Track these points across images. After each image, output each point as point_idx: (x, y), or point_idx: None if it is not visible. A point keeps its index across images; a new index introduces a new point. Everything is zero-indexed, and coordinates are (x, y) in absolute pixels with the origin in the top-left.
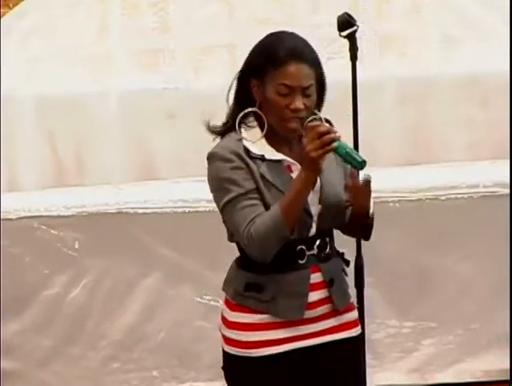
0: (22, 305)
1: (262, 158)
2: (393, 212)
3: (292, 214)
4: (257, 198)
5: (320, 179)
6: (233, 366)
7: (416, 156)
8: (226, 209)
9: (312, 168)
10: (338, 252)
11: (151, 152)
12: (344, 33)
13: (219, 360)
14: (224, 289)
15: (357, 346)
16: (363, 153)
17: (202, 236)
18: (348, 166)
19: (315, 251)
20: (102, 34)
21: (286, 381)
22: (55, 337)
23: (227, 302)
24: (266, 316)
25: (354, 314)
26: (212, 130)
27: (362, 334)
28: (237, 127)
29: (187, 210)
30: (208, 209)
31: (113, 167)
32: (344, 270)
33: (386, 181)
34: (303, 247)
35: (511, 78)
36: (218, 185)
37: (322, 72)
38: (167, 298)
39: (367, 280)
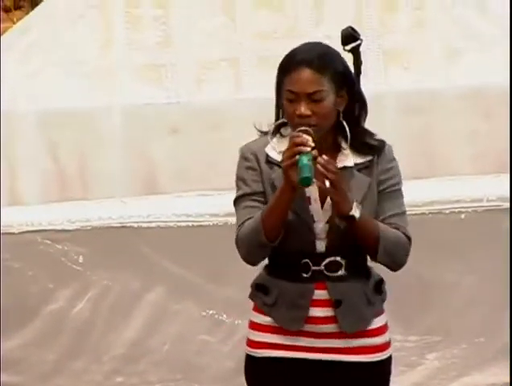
0: (25, 319)
1: (279, 165)
2: None
3: (270, 222)
4: (260, 201)
5: (332, 199)
6: (246, 365)
7: (419, 170)
8: (235, 205)
9: (285, 178)
10: (370, 276)
11: (154, 166)
12: (348, 47)
13: (223, 374)
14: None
15: (373, 373)
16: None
17: (206, 250)
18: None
19: (322, 268)
20: (105, 48)
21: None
22: (59, 351)
23: (251, 300)
24: (270, 319)
25: (375, 340)
26: (258, 130)
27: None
28: (269, 137)
29: (190, 224)
30: (211, 223)
31: (116, 181)
32: (367, 297)
33: None
34: (309, 261)
35: (511, 91)
36: (235, 181)
37: (344, 79)
38: (170, 312)
39: None
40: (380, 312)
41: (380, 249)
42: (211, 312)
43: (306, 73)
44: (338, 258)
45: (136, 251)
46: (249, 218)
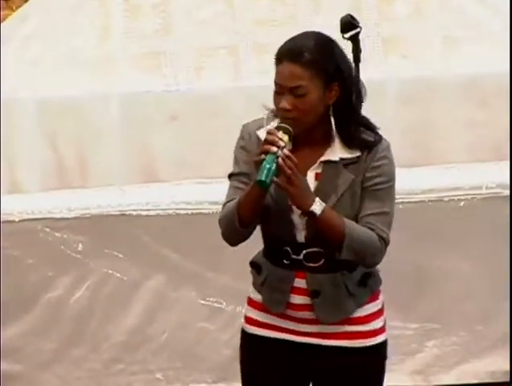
0: (25, 307)
1: None
2: (396, 215)
3: (243, 209)
4: (245, 182)
5: (314, 192)
6: (241, 339)
7: (418, 157)
8: (229, 181)
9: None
10: (354, 268)
11: (153, 154)
12: (348, 35)
13: (222, 362)
14: None
15: (355, 357)
16: None
17: (205, 237)
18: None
19: (301, 258)
20: (104, 36)
21: (274, 364)
22: (58, 339)
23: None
24: (261, 297)
25: (354, 328)
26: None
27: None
28: (264, 123)
29: (189, 212)
30: (210, 211)
31: (115, 169)
32: (348, 288)
33: None
34: (289, 249)
35: (511, 80)
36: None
37: (331, 70)
38: (170, 300)
39: None
40: (366, 302)
41: (344, 247)
42: (210, 300)
43: (289, 67)
44: (318, 249)
45: (135, 239)
46: (232, 199)
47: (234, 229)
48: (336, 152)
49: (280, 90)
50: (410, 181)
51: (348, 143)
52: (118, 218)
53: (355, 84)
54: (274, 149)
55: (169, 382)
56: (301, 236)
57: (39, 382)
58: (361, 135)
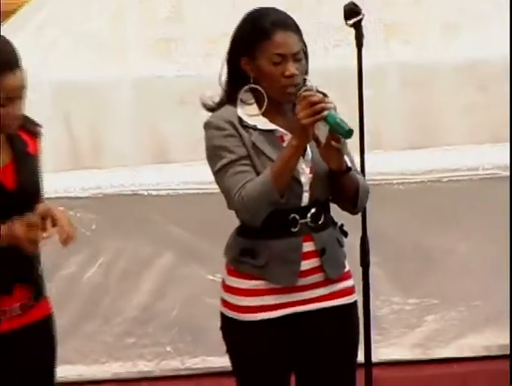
0: None
1: (255, 128)
2: (397, 194)
3: (282, 179)
4: (248, 164)
5: (311, 150)
6: (227, 327)
7: (419, 140)
8: (219, 175)
9: (302, 135)
10: (335, 223)
11: (164, 136)
12: (351, 21)
13: None
14: (224, 255)
15: (349, 313)
16: (368, 137)
17: (213, 216)
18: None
19: (308, 220)
20: (118, 22)
21: (275, 345)
22: (73, 314)
23: (226, 267)
24: (259, 282)
25: (348, 283)
26: (207, 107)
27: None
28: (238, 104)
29: (198, 191)
30: (218, 191)
31: (127, 150)
32: (339, 240)
33: (391, 164)
34: (296, 215)
35: (511, 65)
36: (212, 152)
37: (303, 40)
38: (179, 277)
39: (372, 259)
40: (345, 255)
41: (359, 199)
42: (218, 276)
43: (290, 35)
44: (318, 208)
45: (146, 218)
46: (247, 181)
47: (270, 203)
48: None
49: (282, 60)
50: (411, 162)
51: None
52: (130, 198)
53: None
54: (331, 105)
55: (178, 354)
56: (306, 199)
57: None
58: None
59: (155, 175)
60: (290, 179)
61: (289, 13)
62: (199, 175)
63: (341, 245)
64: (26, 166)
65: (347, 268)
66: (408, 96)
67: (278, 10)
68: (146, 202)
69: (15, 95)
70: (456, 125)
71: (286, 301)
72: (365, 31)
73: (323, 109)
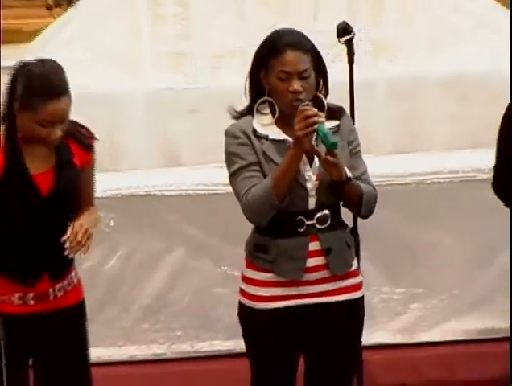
0: None
1: (267, 138)
2: (385, 194)
3: (281, 185)
4: (257, 170)
5: (319, 158)
6: (243, 314)
7: (405, 145)
8: (232, 178)
9: (298, 146)
10: (346, 225)
11: (175, 142)
12: (343, 39)
13: (235, 322)
14: (244, 249)
15: (355, 307)
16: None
17: (220, 214)
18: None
19: (314, 222)
20: (133, 39)
21: (286, 332)
22: (93, 302)
23: (245, 260)
24: (270, 275)
25: (355, 280)
26: (233, 115)
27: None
28: (255, 113)
29: (207, 192)
30: (225, 191)
31: (142, 155)
32: (347, 242)
33: (380, 167)
34: (303, 217)
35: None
36: (227, 157)
37: (319, 60)
38: (189, 269)
39: (363, 253)
40: (354, 255)
41: (363, 205)
42: (225, 268)
43: (297, 54)
44: (326, 212)
45: (159, 216)
46: (253, 186)
47: (271, 206)
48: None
49: (287, 76)
50: (398, 166)
51: (330, 115)
52: (145, 198)
53: (324, 66)
54: (322, 119)
55: (188, 339)
56: (312, 203)
57: None
58: (331, 106)
59: (167, 177)
60: (289, 185)
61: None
62: (207, 177)
63: (349, 246)
64: (66, 174)
65: (354, 267)
66: (395, 107)
67: (294, 32)
68: (159, 201)
69: (57, 120)
70: (439, 132)
71: (293, 293)
72: (356, 49)
73: (314, 123)
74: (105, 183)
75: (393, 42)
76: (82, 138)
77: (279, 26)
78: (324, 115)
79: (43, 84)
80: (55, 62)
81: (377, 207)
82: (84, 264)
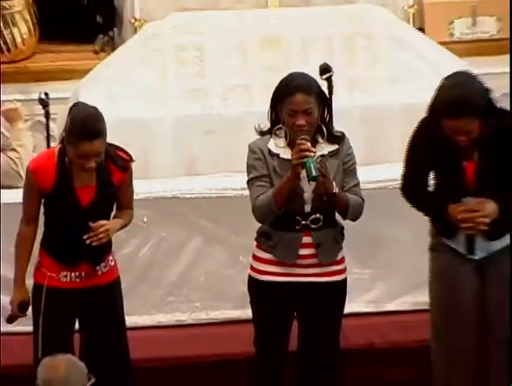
0: None
1: (278, 156)
2: None
3: (279, 197)
4: (267, 181)
5: (323, 184)
6: (251, 284)
7: (372, 159)
8: (248, 184)
9: (293, 171)
10: (337, 225)
11: (194, 156)
12: (324, 76)
13: (240, 295)
14: (256, 234)
15: (337, 287)
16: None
17: (229, 212)
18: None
19: (308, 222)
20: (161, 78)
21: (283, 299)
22: (130, 280)
23: (256, 241)
24: (271, 256)
25: (338, 267)
26: (257, 131)
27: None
28: (272, 135)
29: (218, 195)
30: (233, 195)
31: (168, 166)
32: (336, 239)
33: None
34: (299, 218)
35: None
36: (247, 167)
37: (322, 98)
38: (205, 255)
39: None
40: (341, 248)
41: (349, 212)
42: (233, 255)
43: (302, 96)
44: (318, 215)
45: (182, 213)
46: (261, 194)
47: (271, 212)
48: (324, 148)
49: (294, 113)
50: (366, 175)
51: (330, 140)
52: (171, 199)
53: (330, 104)
54: (312, 153)
55: (204, 308)
56: (308, 208)
57: None
58: (335, 133)
59: (188, 184)
60: (287, 197)
61: (283, 71)
62: (219, 184)
63: (337, 242)
64: (103, 191)
65: (340, 257)
66: (365, 129)
67: (304, 76)
68: (182, 202)
69: (90, 156)
70: (399, 148)
71: (289, 272)
72: (334, 83)
73: (305, 156)
74: (140, 188)
75: (363, 78)
76: (119, 161)
77: (277, 67)
78: (315, 150)
79: (81, 128)
80: (96, 110)
81: None
82: (124, 251)
